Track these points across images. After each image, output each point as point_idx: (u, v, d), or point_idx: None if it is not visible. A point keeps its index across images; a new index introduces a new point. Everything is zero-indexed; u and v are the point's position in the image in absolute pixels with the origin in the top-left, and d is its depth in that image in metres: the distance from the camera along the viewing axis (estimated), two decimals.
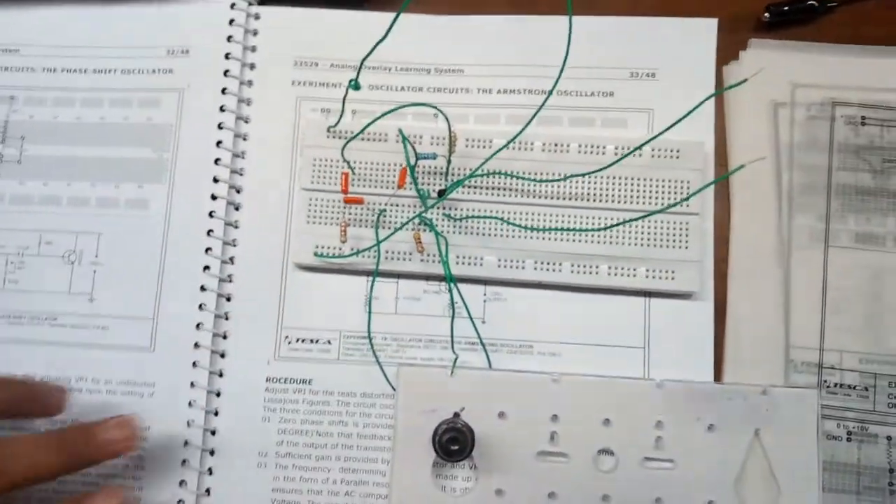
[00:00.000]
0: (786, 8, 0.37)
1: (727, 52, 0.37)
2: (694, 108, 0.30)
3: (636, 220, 0.33)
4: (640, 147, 0.34)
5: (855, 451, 0.34)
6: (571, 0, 0.29)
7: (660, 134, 0.32)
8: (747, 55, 0.37)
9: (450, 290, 0.35)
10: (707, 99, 0.31)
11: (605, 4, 0.38)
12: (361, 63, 0.31)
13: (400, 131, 0.34)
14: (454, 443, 0.30)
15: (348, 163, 0.35)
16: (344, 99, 0.34)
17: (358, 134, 0.35)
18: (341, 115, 0.35)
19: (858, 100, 0.36)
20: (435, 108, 0.32)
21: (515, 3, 0.38)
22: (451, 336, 0.34)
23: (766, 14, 0.36)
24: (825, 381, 0.34)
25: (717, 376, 0.34)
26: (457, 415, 0.33)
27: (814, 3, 0.37)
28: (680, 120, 0.31)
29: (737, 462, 0.33)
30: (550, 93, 0.31)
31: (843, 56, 0.36)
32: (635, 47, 0.37)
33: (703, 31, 0.37)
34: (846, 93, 0.36)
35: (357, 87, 0.31)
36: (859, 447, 0.34)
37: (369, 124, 0.34)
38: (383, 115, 0.33)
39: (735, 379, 0.34)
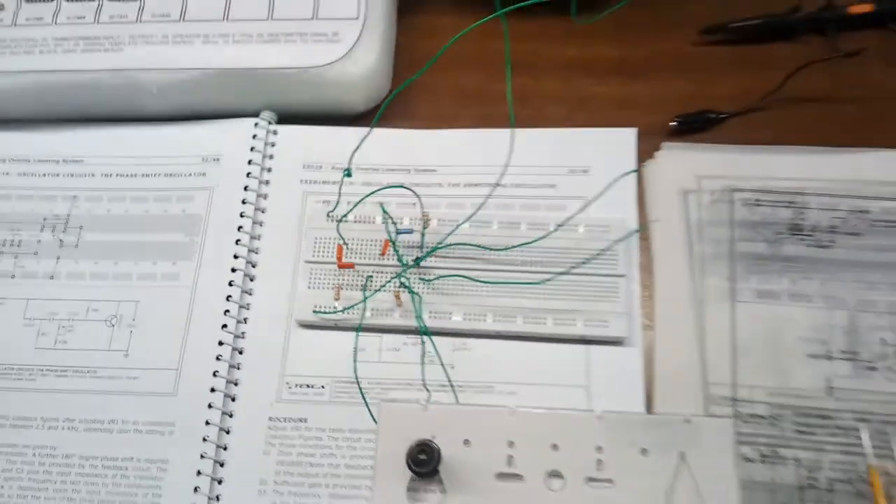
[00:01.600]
0: (689, 118, 0.45)
1: (645, 153, 0.45)
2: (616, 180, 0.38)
3: (564, 273, 0.40)
4: (568, 221, 0.42)
5: (768, 472, 0.38)
6: (514, 117, 0.37)
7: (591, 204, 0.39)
8: (661, 154, 0.44)
9: (422, 342, 0.41)
10: (626, 173, 0.38)
11: (548, 120, 0.46)
12: (351, 157, 0.39)
13: (382, 207, 0.41)
14: (423, 453, 0.35)
15: (342, 237, 0.42)
16: (340, 186, 0.41)
17: (349, 211, 0.42)
18: (338, 201, 0.42)
19: (751, 186, 0.43)
20: (408, 188, 0.40)
21: (478, 119, 0.47)
22: (423, 376, 0.40)
23: (674, 123, 0.45)
24: (739, 412, 0.39)
25: (648, 408, 0.40)
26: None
27: (711, 115, 0.45)
28: (599, 195, 0.38)
29: (667, 481, 0.38)
30: (497, 183, 0.39)
31: (737, 154, 0.44)
32: (572, 151, 0.45)
33: (626, 138, 0.45)
34: (742, 181, 0.43)
35: (349, 174, 0.39)
36: (772, 468, 0.38)
37: (359, 202, 0.41)
38: (371, 193, 0.40)
39: (663, 410, 0.39)
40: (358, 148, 0.38)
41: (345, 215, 0.42)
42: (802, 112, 0.45)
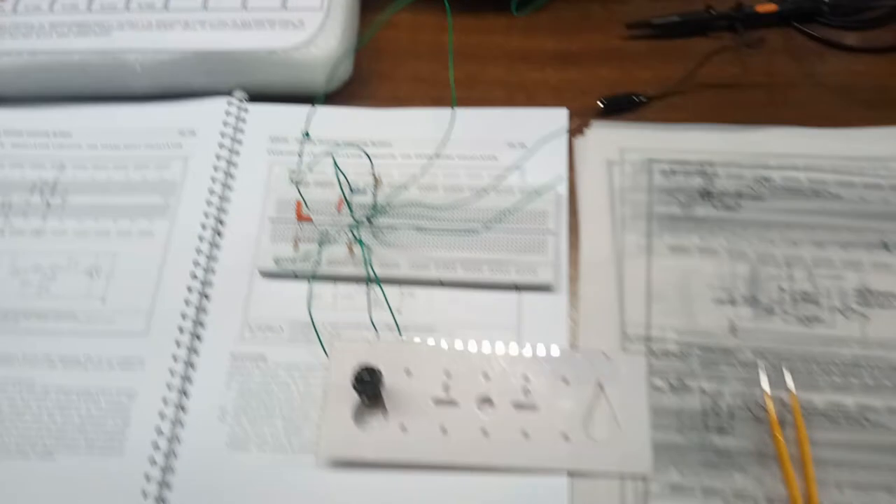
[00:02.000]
0: (615, 100, 0.51)
1: (576, 130, 0.50)
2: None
3: (498, 222, 0.45)
4: (505, 186, 0.46)
5: (676, 400, 0.42)
6: (455, 99, 0.42)
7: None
8: (590, 131, 0.49)
9: (368, 286, 0.45)
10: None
11: (492, 101, 0.51)
12: (308, 121, 0.43)
13: (335, 163, 0.46)
14: (366, 374, 0.39)
15: (301, 195, 0.47)
16: (301, 147, 0.46)
17: (308, 171, 0.46)
18: (300, 161, 0.47)
19: (668, 158, 0.48)
20: (360, 147, 0.45)
21: (430, 100, 0.52)
22: (370, 317, 0.44)
23: (601, 103, 0.50)
24: (652, 349, 0.43)
25: (571, 345, 0.44)
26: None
27: (634, 98, 0.51)
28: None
29: (586, 406, 0.42)
30: (437, 154, 0.44)
31: (656, 131, 0.49)
32: (512, 127, 0.50)
33: (559, 117, 0.50)
34: (659, 153, 0.48)
35: (308, 135, 0.44)
36: (679, 396, 0.42)
37: (317, 163, 0.45)
38: (327, 154, 0.45)
39: (585, 345, 0.43)
40: (314, 113, 0.43)
41: (304, 174, 0.46)
42: (714, 96, 0.50)
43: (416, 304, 0.45)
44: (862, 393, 0.41)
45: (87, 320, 0.46)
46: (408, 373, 0.42)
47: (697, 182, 0.47)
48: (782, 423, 0.41)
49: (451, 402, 0.42)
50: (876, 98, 0.50)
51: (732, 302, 0.44)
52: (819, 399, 0.41)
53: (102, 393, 0.43)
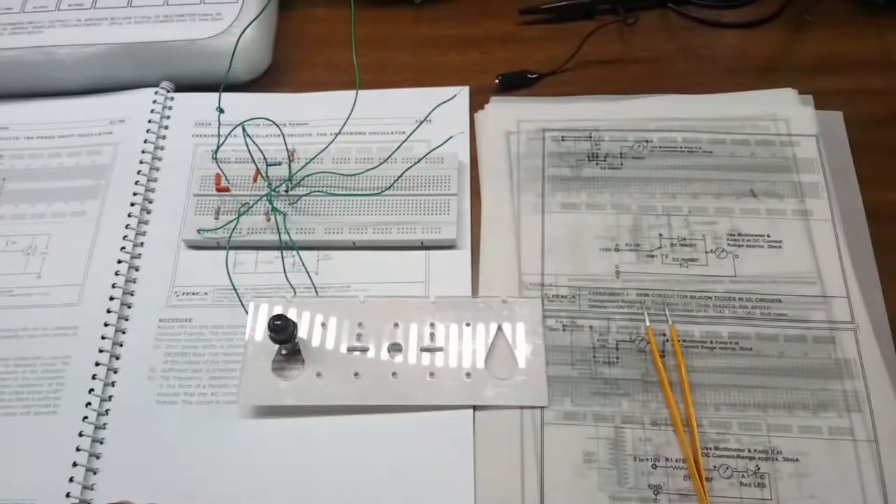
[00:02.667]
0: (510, 77, 0.54)
1: (477, 105, 0.53)
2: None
3: (394, 182, 0.48)
4: (411, 155, 0.49)
5: (568, 337, 0.45)
6: (358, 78, 0.45)
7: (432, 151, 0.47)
8: (489, 106, 0.53)
9: (280, 244, 0.47)
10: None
11: (401, 83, 0.54)
12: (219, 97, 0.46)
13: (247, 140, 0.47)
14: (277, 319, 0.41)
15: (220, 169, 0.49)
16: (219, 120, 0.47)
17: (222, 143, 0.47)
18: (219, 135, 0.49)
19: (559, 127, 0.51)
20: (270, 120, 0.47)
21: (343, 85, 0.54)
22: (287, 278, 0.46)
23: (497, 81, 0.54)
24: (546, 294, 0.46)
25: (474, 294, 0.47)
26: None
27: (528, 75, 0.54)
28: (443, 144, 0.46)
29: (487, 346, 0.44)
30: (343, 125, 0.47)
31: (548, 104, 0.52)
32: (418, 105, 0.52)
33: (461, 93, 0.53)
34: (551, 123, 0.51)
35: (221, 110, 0.46)
36: (571, 334, 0.45)
37: (230, 132, 0.47)
38: (237, 126, 0.47)
39: (485, 294, 0.46)
40: (234, 94, 0.46)
41: (220, 146, 0.48)
42: (599, 71, 0.54)
43: (332, 266, 0.48)
44: (734, 322, 0.45)
45: (24, 294, 0.47)
46: (323, 325, 0.45)
47: (585, 146, 0.51)
48: (663, 353, 0.44)
49: (364, 350, 0.44)
50: (742, 66, 0.54)
51: (617, 249, 0.47)
52: (696, 330, 0.45)
53: (38, 360, 0.45)
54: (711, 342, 0.44)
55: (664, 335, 0.45)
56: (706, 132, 0.51)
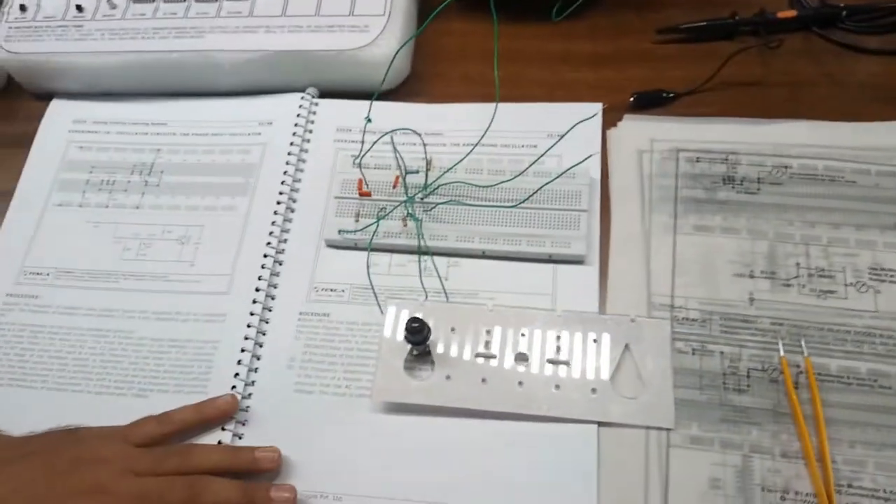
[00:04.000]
0: (645, 95, 0.52)
1: (610, 122, 0.52)
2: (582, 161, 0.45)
3: (534, 201, 0.48)
4: (543, 170, 0.49)
5: (698, 361, 0.43)
6: (499, 94, 0.45)
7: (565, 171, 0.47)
8: (622, 123, 0.52)
9: (419, 259, 0.48)
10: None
11: (534, 98, 0.54)
12: (369, 108, 0.47)
13: (392, 143, 0.48)
14: (415, 322, 0.42)
15: (363, 174, 0.50)
16: (364, 128, 0.48)
17: (368, 150, 0.49)
18: (362, 141, 0.50)
19: (694, 147, 0.50)
20: (412, 130, 0.48)
21: (479, 97, 0.54)
22: (421, 283, 0.47)
23: (632, 99, 0.52)
24: (676, 316, 0.45)
25: (601, 311, 0.46)
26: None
27: (663, 94, 0.53)
28: (575, 165, 0.46)
29: (613, 365, 0.43)
30: (480, 142, 0.48)
31: (683, 123, 0.51)
32: (551, 120, 0.52)
33: (594, 110, 0.51)
34: (686, 144, 0.50)
35: (370, 120, 0.47)
36: (700, 358, 0.43)
37: (376, 141, 0.49)
38: (384, 134, 0.48)
39: (613, 312, 0.45)
40: (373, 102, 0.47)
41: (364, 153, 0.49)
42: (738, 93, 0.52)
43: (461, 272, 0.48)
44: (873, 359, 0.42)
45: (178, 281, 0.50)
46: (453, 330, 0.45)
47: (721, 169, 0.49)
48: (797, 385, 0.42)
49: (491, 357, 0.44)
50: (887, 95, 0.51)
51: (752, 276, 0.45)
52: (833, 364, 0.42)
53: (189, 342, 0.47)
54: (848, 377, 0.42)
55: (798, 367, 0.43)
56: (849, 161, 0.48)
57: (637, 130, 0.51)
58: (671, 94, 0.52)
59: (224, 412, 0.44)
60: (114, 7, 0.57)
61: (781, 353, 0.43)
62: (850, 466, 0.40)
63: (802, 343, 0.43)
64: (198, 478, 0.39)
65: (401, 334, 0.44)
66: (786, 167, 0.49)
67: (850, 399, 0.41)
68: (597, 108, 0.52)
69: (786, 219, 0.47)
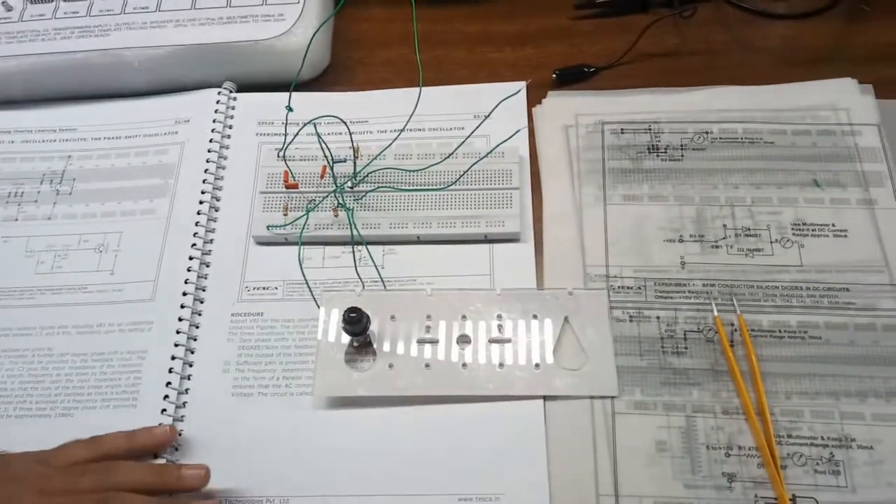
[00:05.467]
0: (567, 71, 0.53)
1: (534, 100, 0.52)
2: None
3: (460, 178, 0.47)
4: (472, 151, 0.49)
5: (636, 328, 0.44)
6: (422, 79, 0.45)
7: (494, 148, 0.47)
8: (547, 100, 0.52)
9: (352, 244, 0.47)
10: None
11: (458, 80, 0.54)
12: (289, 98, 0.45)
13: (319, 139, 0.47)
14: (353, 311, 0.41)
15: (288, 166, 0.49)
16: (286, 119, 0.47)
17: (290, 142, 0.48)
18: (285, 139, 0.49)
19: (617, 119, 0.51)
20: (339, 118, 0.47)
21: (403, 82, 0.54)
22: (357, 271, 0.46)
23: (554, 75, 0.53)
24: (612, 286, 0.45)
25: (539, 286, 0.46)
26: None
27: (585, 69, 0.53)
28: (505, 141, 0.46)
29: (554, 338, 0.44)
30: (408, 122, 0.47)
31: (606, 97, 0.52)
32: (476, 101, 0.52)
33: (518, 89, 0.52)
34: (610, 116, 0.51)
35: (290, 109, 0.46)
36: (638, 325, 0.44)
37: (299, 130, 0.47)
38: (307, 123, 0.47)
39: (550, 286, 0.46)
40: (296, 93, 0.45)
41: (287, 145, 0.48)
42: (656, 64, 0.53)
43: (397, 259, 0.47)
44: (802, 312, 0.44)
45: (99, 291, 0.47)
46: (393, 318, 0.44)
47: (645, 139, 0.50)
48: (732, 343, 0.43)
49: (433, 342, 0.44)
50: (799, 57, 0.53)
51: (681, 240, 0.46)
52: (764, 320, 0.44)
53: (115, 354, 0.45)
54: (780, 331, 0.43)
55: (732, 325, 0.44)
56: (766, 123, 0.50)
57: (561, 106, 0.52)
58: (592, 69, 0.53)
59: (160, 443, 0.41)
60: (10, 9, 0.54)
61: (715, 312, 0.44)
62: (787, 417, 0.41)
63: (734, 301, 0.44)
64: (113, 494, 0.37)
65: (339, 327, 0.43)
66: (707, 133, 0.50)
67: (783, 352, 0.43)
68: (520, 85, 0.52)
69: (710, 182, 0.48)
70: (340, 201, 0.47)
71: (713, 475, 0.40)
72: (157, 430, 0.41)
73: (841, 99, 0.50)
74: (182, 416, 0.43)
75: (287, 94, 0.49)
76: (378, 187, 0.48)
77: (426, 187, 0.48)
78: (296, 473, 0.41)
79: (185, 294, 0.46)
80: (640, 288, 0.45)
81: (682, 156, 0.49)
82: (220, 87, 0.54)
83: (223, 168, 0.51)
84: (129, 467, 0.39)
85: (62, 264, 0.48)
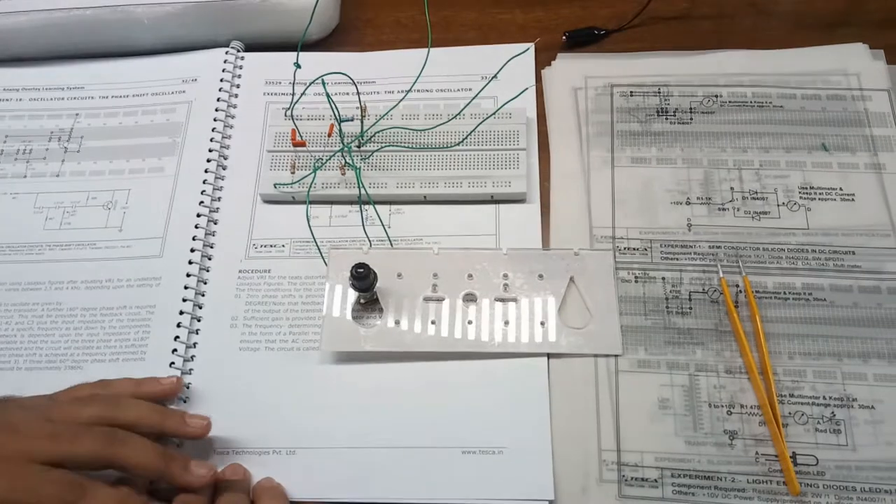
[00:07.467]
0: (577, 34, 0.53)
1: (544, 62, 0.53)
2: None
3: (466, 137, 0.48)
4: (479, 111, 0.49)
5: (641, 288, 0.44)
6: (431, 39, 0.45)
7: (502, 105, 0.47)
8: (556, 62, 0.52)
9: (359, 203, 0.47)
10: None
11: (467, 41, 0.54)
12: (297, 55, 0.46)
13: (327, 96, 0.48)
14: (360, 267, 0.41)
15: (295, 125, 0.49)
16: (294, 77, 0.47)
17: (298, 99, 0.48)
18: (293, 98, 0.49)
19: (627, 82, 0.51)
20: (347, 75, 0.47)
21: (411, 43, 0.54)
22: (364, 230, 0.46)
23: (564, 38, 0.53)
24: (618, 247, 0.46)
25: (544, 247, 0.46)
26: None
27: (595, 31, 0.53)
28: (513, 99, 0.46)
29: (559, 298, 0.44)
30: (415, 82, 0.47)
31: (616, 59, 0.52)
32: (485, 62, 0.52)
33: (527, 50, 0.53)
34: (619, 79, 0.51)
35: (298, 66, 0.46)
36: (644, 285, 0.45)
37: (306, 89, 0.48)
38: (315, 80, 0.47)
39: (556, 247, 0.46)
40: (304, 53, 0.46)
41: (295, 103, 0.48)
42: (666, 27, 0.53)
43: (404, 219, 0.48)
44: (807, 274, 0.44)
45: (107, 247, 0.48)
46: (399, 276, 0.45)
47: (654, 101, 0.50)
48: (737, 304, 0.44)
49: (439, 299, 0.44)
50: (810, 22, 0.52)
51: (688, 202, 0.47)
52: (769, 282, 0.44)
53: (124, 309, 0.46)
54: (785, 293, 0.44)
55: (737, 286, 0.44)
56: (776, 87, 0.50)
57: (571, 69, 0.52)
58: (602, 32, 0.53)
59: (167, 392, 0.42)
60: None
61: (720, 274, 0.44)
62: (790, 377, 0.42)
63: (740, 263, 0.45)
64: (122, 434, 0.37)
65: (346, 283, 0.44)
66: (716, 96, 0.50)
67: (787, 313, 0.43)
68: (529, 48, 0.52)
69: (718, 146, 0.48)
70: (348, 160, 0.48)
71: (714, 432, 0.40)
72: (164, 380, 0.42)
73: (852, 64, 0.50)
74: (190, 370, 0.44)
75: (295, 53, 0.49)
76: (385, 146, 0.48)
77: (433, 147, 0.48)
78: (301, 426, 0.42)
79: (192, 251, 0.47)
80: (646, 249, 0.46)
81: (691, 119, 0.49)
82: (227, 46, 0.54)
83: (230, 127, 0.52)
84: (134, 403, 0.39)
85: (70, 221, 0.49)
